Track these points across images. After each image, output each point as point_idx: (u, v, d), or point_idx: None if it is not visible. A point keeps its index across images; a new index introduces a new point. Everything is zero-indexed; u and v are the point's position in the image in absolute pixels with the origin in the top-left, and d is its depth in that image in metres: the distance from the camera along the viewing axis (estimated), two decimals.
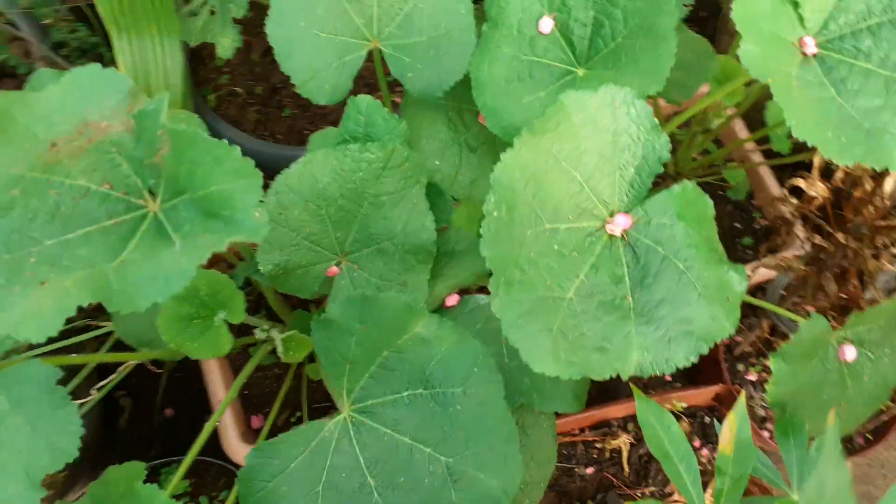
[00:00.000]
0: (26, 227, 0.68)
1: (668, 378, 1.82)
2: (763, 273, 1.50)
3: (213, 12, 1.21)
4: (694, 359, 0.84)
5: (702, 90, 1.55)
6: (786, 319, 1.44)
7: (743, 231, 1.74)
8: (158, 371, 1.65)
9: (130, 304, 0.60)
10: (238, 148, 0.66)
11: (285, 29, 1.01)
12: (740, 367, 1.65)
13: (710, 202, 0.92)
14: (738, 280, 0.88)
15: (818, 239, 1.21)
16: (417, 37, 1.04)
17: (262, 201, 0.68)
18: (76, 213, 0.71)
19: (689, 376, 1.83)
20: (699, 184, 1.76)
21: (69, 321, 1.36)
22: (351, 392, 0.89)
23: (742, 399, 0.97)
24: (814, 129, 0.80)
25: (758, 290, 1.66)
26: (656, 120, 0.86)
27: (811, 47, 0.88)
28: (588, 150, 0.87)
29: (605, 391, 1.75)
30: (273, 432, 1.47)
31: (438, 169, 1.07)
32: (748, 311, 1.66)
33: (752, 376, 1.63)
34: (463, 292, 1.07)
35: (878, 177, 1.00)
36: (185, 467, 1.06)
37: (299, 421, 1.52)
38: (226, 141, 0.65)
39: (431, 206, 1.05)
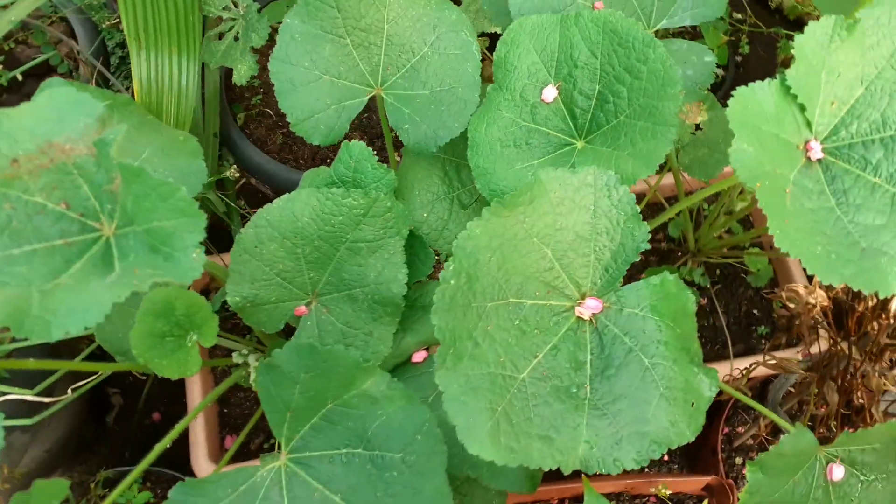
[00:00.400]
0: None
1: (665, 457, 1.75)
2: (762, 370, 1.42)
3: (237, 38, 1.22)
4: (644, 462, 0.79)
5: (728, 170, 1.50)
6: (786, 418, 1.36)
7: (760, 320, 1.67)
8: (142, 377, 1.66)
9: (45, 332, 0.59)
10: (184, 188, 0.65)
11: (289, 67, 1.01)
12: (738, 459, 1.57)
13: (692, 297, 0.87)
14: (707, 385, 0.83)
15: (822, 345, 1.14)
16: (421, 89, 1.03)
17: (201, 243, 0.67)
18: (28, 228, 0.71)
19: (689, 458, 1.75)
20: (719, 265, 1.71)
21: None
22: (290, 440, 0.87)
23: None
24: (801, 242, 0.75)
25: (765, 383, 1.58)
26: (638, 208, 0.83)
27: (817, 152, 0.84)
28: (564, 227, 0.83)
29: None
30: (242, 456, 1.46)
31: (425, 221, 1.06)
32: (744, 403, 1.58)
33: None
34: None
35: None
36: (131, 479, 1.06)
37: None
38: (171, 180, 0.65)
39: (413, 259, 1.04)
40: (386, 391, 0.86)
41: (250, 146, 1.64)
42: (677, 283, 0.87)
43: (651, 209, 1.76)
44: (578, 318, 0.85)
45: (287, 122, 1.72)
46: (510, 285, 0.83)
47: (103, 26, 1.71)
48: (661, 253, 1.72)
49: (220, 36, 1.26)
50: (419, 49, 1.03)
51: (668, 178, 1.70)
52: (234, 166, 1.48)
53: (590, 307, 0.85)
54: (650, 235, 0.83)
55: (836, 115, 0.84)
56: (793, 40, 0.82)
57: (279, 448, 0.89)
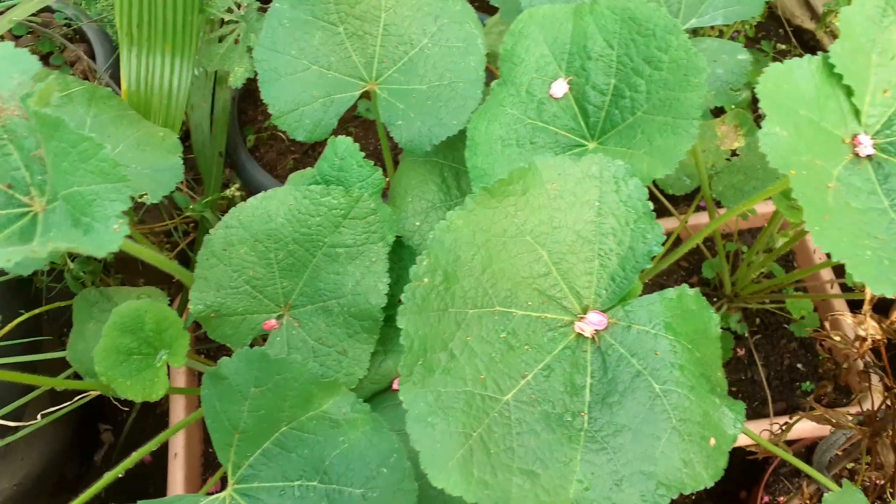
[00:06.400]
0: None
1: None
2: (811, 427, 1.25)
3: (237, 41, 1.17)
4: None
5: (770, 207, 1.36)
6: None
7: (805, 375, 1.49)
8: (125, 409, 1.55)
9: None
10: (108, 147, 0.56)
11: (274, 55, 0.93)
12: None
13: (715, 318, 0.74)
14: (731, 420, 0.69)
15: (877, 393, 0.98)
16: (418, 84, 0.93)
17: (125, 213, 0.57)
18: None
19: None
20: (758, 311, 1.55)
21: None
22: (238, 468, 0.75)
23: None
24: (845, 244, 0.62)
25: (812, 448, 1.39)
26: (651, 205, 0.71)
27: (867, 148, 0.71)
28: (563, 225, 0.72)
29: None
30: None
31: (418, 231, 0.95)
32: (796, 470, 1.40)
33: None
34: None
35: None
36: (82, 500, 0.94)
37: None
38: (94, 136, 0.56)
39: (402, 273, 0.92)
40: (349, 414, 0.73)
41: (258, 169, 1.57)
42: (698, 300, 0.74)
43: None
44: (578, 334, 0.72)
45: (299, 147, 1.67)
46: (497, 291, 0.71)
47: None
48: None
49: (221, 39, 1.20)
50: (418, 41, 0.94)
51: (704, 218, 1.57)
52: (237, 186, 1.41)
53: (592, 323, 0.72)
54: (664, 238, 0.71)
55: (891, 106, 0.71)
56: None
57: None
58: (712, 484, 0.66)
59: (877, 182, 0.69)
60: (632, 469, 0.65)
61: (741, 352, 1.52)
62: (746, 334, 1.52)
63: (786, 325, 1.54)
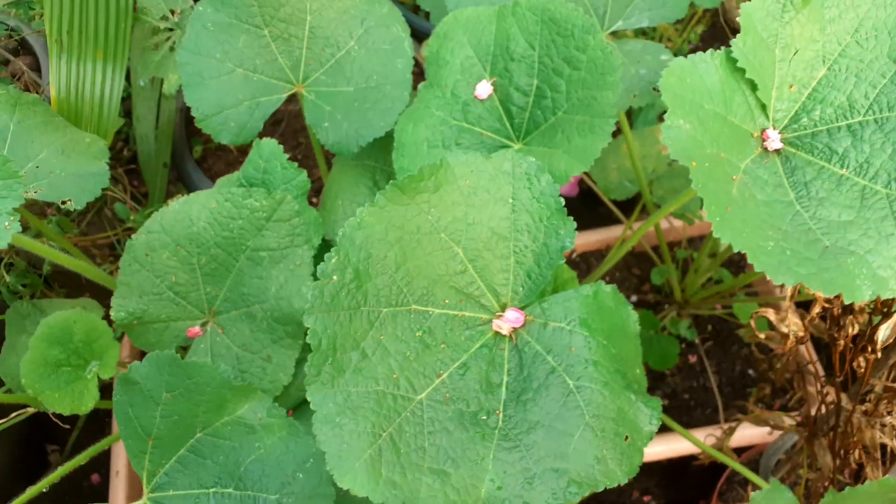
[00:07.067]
0: None
1: None
2: (759, 432, 1.25)
3: (172, 49, 1.16)
4: None
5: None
6: None
7: (757, 380, 1.49)
8: (66, 426, 1.51)
9: None
10: None
11: (198, 59, 0.92)
12: None
13: (633, 315, 0.74)
14: (647, 416, 0.68)
15: (810, 394, 0.98)
16: (345, 86, 0.93)
17: (16, 209, 0.56)
18: None
19: None
20: (710, 317, 1.56)
21: None
22: (153, 476, 0.73)
23: None
24: (747, 235, 0.62)
25: (762, 454, 1.39)
26: (562, 201, 0.70)
27: (775, 142, 0.71)
28: (477, 222, 0.71)
29: None
30: None
31: None
32: (742, 477, 1.39)
33: None
34: None
35: (869, 313, 0.79)
36: None
37: None
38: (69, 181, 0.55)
39: None
40: (265, 419, 0.72)
41: (205, 179, 1.55)
42: (615, 297, 0.73)
43: (637, 258, 1.63)
44: (496, 332, 0.71)
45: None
46: (413, 289, 0.70)
47: None
48: (648, 304, 1.58)
49: (156, 46, 1.19)
50: (345, 43, 0.94)
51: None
52: (180, 195, 1.39)
53: (509, 320, 0.71)
54: (577, 234, 0.70)
55: (797, 101, 0.72)
56: None
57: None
58: (625, 480, 0.65)
59: (784, 175, 0.70)
60: (544, 466, 0.64)
61: (693, 359, 1.52)
62: (697, 341, 1.52)
63: (737, 332, 1.55)
